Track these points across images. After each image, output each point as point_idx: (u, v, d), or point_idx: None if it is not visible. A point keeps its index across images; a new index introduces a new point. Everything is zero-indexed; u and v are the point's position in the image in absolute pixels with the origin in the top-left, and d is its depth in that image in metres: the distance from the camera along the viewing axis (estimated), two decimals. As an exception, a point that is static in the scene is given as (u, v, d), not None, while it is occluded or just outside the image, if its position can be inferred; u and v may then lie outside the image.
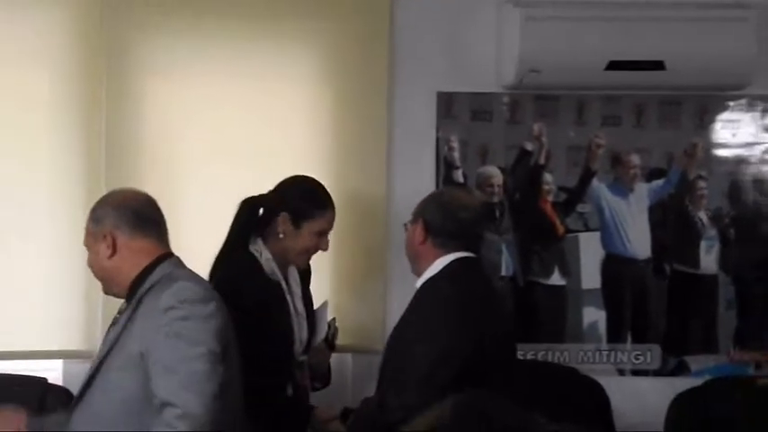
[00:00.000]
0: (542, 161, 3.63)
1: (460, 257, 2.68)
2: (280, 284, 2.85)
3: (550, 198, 3.65)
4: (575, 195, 3.66)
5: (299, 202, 2.84)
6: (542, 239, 3.65)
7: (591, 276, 3.63)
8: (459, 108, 3.61)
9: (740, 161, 3.66)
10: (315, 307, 3.03)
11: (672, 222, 3.66)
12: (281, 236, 2.82)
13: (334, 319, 3.11)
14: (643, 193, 3.65)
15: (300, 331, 2.91)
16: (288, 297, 2.87)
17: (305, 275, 2.98)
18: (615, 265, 3.64)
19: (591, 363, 3.63)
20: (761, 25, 3.43)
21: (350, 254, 3.49)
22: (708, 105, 3.62)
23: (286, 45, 3.52)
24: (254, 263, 2.80)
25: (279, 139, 3.52)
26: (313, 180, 2.93)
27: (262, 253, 2.82)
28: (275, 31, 3.51)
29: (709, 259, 3.66)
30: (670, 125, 3.63)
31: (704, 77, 3.48)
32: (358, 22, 3.56)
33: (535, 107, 3.62)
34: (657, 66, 3.42)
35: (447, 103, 3.61)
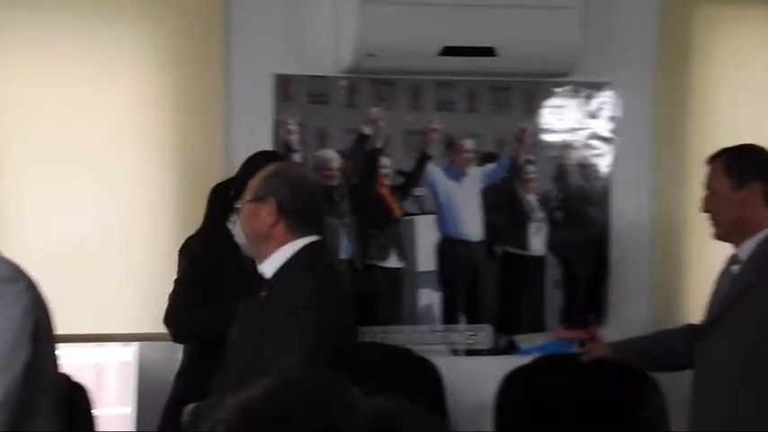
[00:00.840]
0: (380, 145, 3.67)
1: (311, 242, 2.54)
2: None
3: (388, 182, 3.69)
4: (411, 179, 3.70)
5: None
6: (380, 223, 3.68)
7: (427, 259, 3.70)
8: (297, 91, 3.60)
9: (566, 146, 3.77)
10: None
11: (503, 205, 3.75)
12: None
13: None
14: (476, 176, 3.73)
15: None
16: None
17: None
18: (450, 247, 3.71)
19: (426, 344, 3.68)
20: (585, 14, 3.56)
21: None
22: (536, 91, 3.72)
23: (123, 28, 3.46)
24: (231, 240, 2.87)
25: (119, 124, 3.45)
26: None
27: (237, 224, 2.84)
28: (113, 14, 3.44)
29: (537, 241, 3.77)
30: (501, 110, 3.72)
31: (532, 64, 3.58)
32: (193, 5, 3.52)
33: (373, 91, 3.64)
34: (488, 52, 3.48)
35: (285, 86, 3.59)
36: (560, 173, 3.77)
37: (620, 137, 3.78)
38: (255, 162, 2.90)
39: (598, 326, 3.71)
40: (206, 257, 3.02)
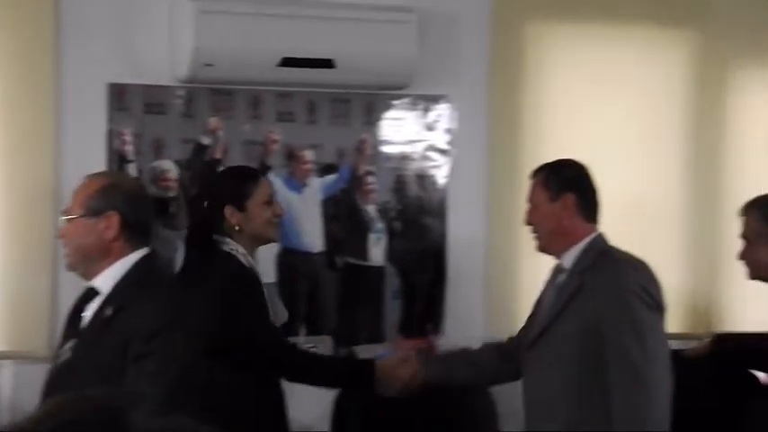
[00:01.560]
0: (219, 155, 3.61)
1: (146, 254, 2.47)
2: (259, 275, 2.90)
3: (226, 193, 3.65)
4: None
5: (230, 190, 2.88)
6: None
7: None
8: (132, 100, 3.52)
9: (404, 157, 3.80)
10: None
11: (343, 216, 3.75)
12: (237, 228, 2.84)
13: None
14: (316, 187, 3.73)
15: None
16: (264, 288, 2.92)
17: None
18: (290, 258, 3.69)
19: None
20: (422, 28, 3.63)
21: (17, 249, 3.33)
22: (375, 103, 3.75)
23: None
24: (229, 259, 2.83)
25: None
26: (231, 168, 3.16)
27: (237, 249, 2.84)
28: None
29: (377, 251, 3.78)
30: (341, 122, 3.73)
31: (371, 77, 3.62)
32: (22, 10, 3.39)
33: (211, 101, 3.59)
34: (327, 64, 3.51)
35: (119, 96, 3.51)
36: (399, 184, 3.80)
37: (456, 149, 3.84)
38: (211, 181, 3.09)
39: (436, 335, 3.78)
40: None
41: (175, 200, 3.58)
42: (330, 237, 3.73)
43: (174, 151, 3.58)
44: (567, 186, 2.68)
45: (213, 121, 3.60)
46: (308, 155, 3.71)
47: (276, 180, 3.65)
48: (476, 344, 3.61)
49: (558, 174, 2.72)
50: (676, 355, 3.23)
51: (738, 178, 4.03)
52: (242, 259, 2.84)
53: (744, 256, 2.83)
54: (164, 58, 3.50)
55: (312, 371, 2.92)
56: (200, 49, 3.40)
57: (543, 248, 2.76)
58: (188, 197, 3.58)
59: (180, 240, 3.53)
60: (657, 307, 2.57)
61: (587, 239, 2.67)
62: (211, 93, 3.59)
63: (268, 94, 3.64)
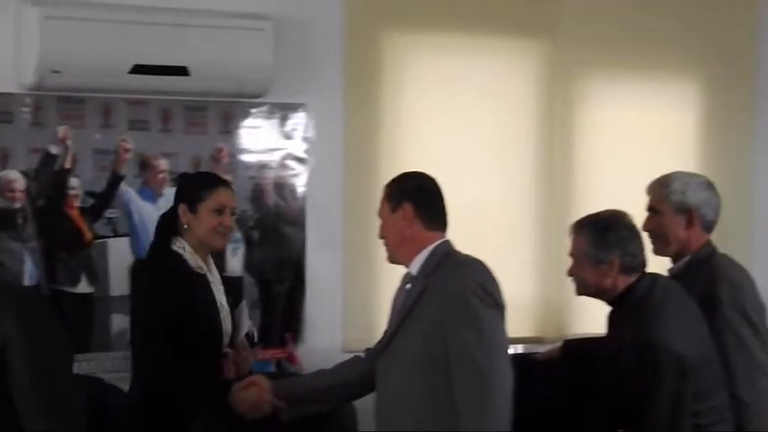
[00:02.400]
0: (68, 165, 3.52)
1: None
2: (205, 277, 2.95)
3: (77, 203, 3.54)
4: (103, 200, 3.59)
5: (188, 190, 2.98)
6: (69, 246, 3.53)
7: (120, 283, 3.58)
8: (-24, 109, 3.37)
9: (262, 166, 3.78)
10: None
11: None
12: (185, 226, 2.94)
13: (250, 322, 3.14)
14: (171, 197, 3.51)
15: (226, 324, 2.99)
16: (214, 290, 2.97)
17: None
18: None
19: (120, 371, 3.50)
20: (277, 36, 3.60)
21: None
22: (232, 111, 3.72)
23: None
24: (178, 259, 2.91)
25: None
26: (200, 171, 3.29)
27: (185, 248, 2.93)
28: None
29: (235, 261, 3.74)
30: (196, 130, 3.68)
31: (227, 84, 3.59)
32: None
33: (60, 109, 3.50)
34: (181, 71, 3.46)
35: (-40, 104, 3.34)
36: (257, 192, 3.77)
37: (313, 157, 3.86)
38: (180, 179, 3.14)
39: (295, 344, 3.76)
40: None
41: (22, 211, 3.45)
42: None
43: (21, 161, 3.46)
44: (405, 197, 2.71)
45: (62, 130, 3.50)
46: (163, 164, 3.63)
47: (129, 190, 3.60)
48: (335, 352, 3.68)
49: (398, 186, 2.76)
50: (527, 358, 3.39)
51: (587, 189, 4.12)
52: (188, 258, 2.92)
53: (572, 273, 2.91)
54: (9, 65, 3.39)
55: (173, 387, 2.87)
56: (47, 56, 3.29)
57: (392, 259, 2.81)
58: (35, 208, 3.44)
59: (27, 252, 3.40)
60: (496, 305, 2.60)
61: (431, 246, 2.70)
62: (60, 100, 3.49)
63: (120, 101, 3.56)
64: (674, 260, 3.04)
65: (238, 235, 3.73)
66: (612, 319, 2.89)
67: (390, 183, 2.78)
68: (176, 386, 2.87)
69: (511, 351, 2.71)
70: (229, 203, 2.99)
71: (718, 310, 2.84)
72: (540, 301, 4.10)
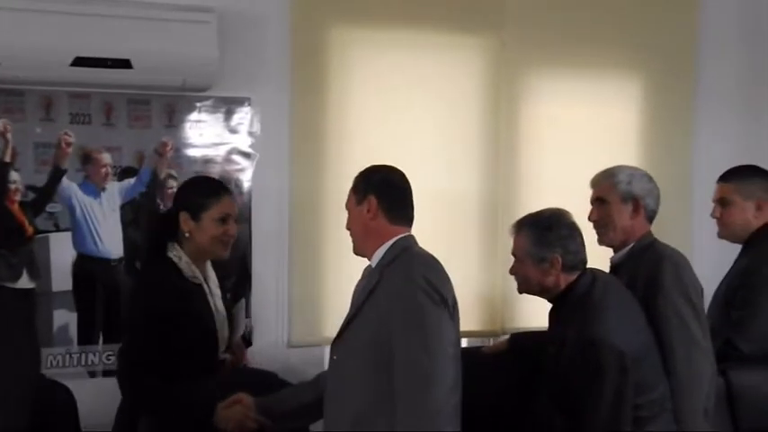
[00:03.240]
0: (8, 159, 3.46)
1: None
2: (201, 286, 2.88)
3: (18, 198, 3.48)
4: (44, 195, 3.53)
5: (190, 197, 2.90)
6: (9, 241, 3.46)
7: (62, 278, 3.53)
8: None
9: (207, 161, 3.73)
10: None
11: (144, 221, 3.64)
12: (186, 235, 2.88)
13: (247, 320, 3.08)
14: (115, 191, 3.61)
15: (222, 330, 2.93)
16: (210, 298, 2.90)
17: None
18: (87, 265, 3.57)
19: (61, 367, 3.51)
20: (222, 29, 3.54)
21: None
22: (176, 105, 3.66)
23: None
24: (173, 268, 2.84)
25: None
26: (203, 176, 3.22)
27: (181, 257, 2.87)
28: None
29: None
30: (140, 124, 3.62)
31: (171, 78, 3.53)
32: None
33: (-1, 102, 3.40)
34: (124, 64, 3.41)
35: None
36: None
37: (259, 152, 3.80)
38: (180, 186, 3.03)
39: (243, 344, 3.67)
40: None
41: (-41, 206, 3.35)
42: (130, 242, 3.62)
43: (-41, 154, 3.37)
44: (370, 189, 2.71)
45: (1, 123, 3.44)
46: (106, 158, 3.58)
47: (71, 185, 3.54)
48: (280, 347, 3.71)
49: (364, 178, 2.75)
50: (475, 352, 3.40)
51: (532, 183, 4.13)
52: (183, 267, 2.86)
53: (514, 271, 2.95)
54: (-54, 56, 3.27)
55: (156, 403, 2.82)
56: (-14, 47, 3.19)
57: (356, 251, 2.78)
58: (-25, 203, 3.38)
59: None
60: (443, 302, 2.57)
61: (392, 240, 2.69)
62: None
63: (61, 94, 3.50)
64: (616, 250, 3.10)
65: None
66: (554, 316, 2.91)
67: (358, 175, 2.77)
68: (159, 413, 2.83)
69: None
70: (233, 212, 2.95)
71: (661, 293, 2.89)
72: (484, 295, 4.09)
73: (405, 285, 2.56)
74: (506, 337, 3.47)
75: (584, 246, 2.86)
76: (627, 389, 2.69)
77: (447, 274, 2.67)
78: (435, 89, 4.01)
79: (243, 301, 3.21)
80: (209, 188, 2.95)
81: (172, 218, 2.93)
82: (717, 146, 4.35)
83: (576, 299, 2.80)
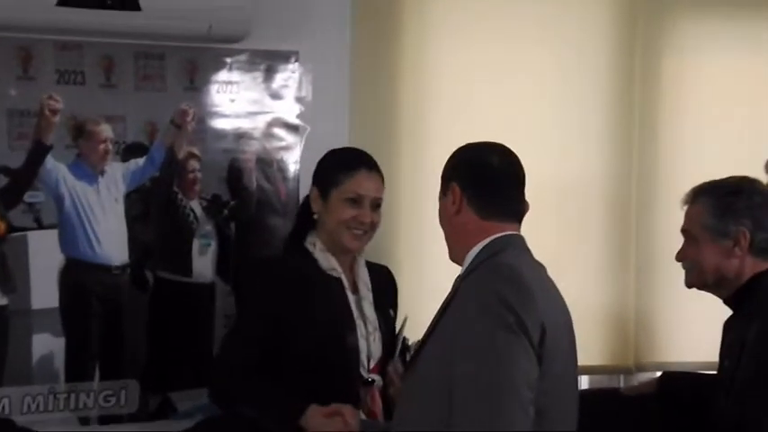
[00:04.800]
0: (-28, 132, 3.00)
1: None
2: (340, 281, 2.69)
3: (-14, 184, 3.06)
4: (20, 180, 3.04)
5: (323, 171, 2.73)
6: (-27, 242, 3.04)
7: (45, 291, 3.04)
8: None
9: (241, 135, 3.25)
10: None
11: (156, 216, 3.17)
12: (315, 216, 2.70)
13: (415, 341, 2.69)
14: (117, 176, 3.13)
15: (370, 343, 2.70)
16: (349, 296, 2.69)
17: (388, 291, 2.83)
18: (79, 274, 3.10)
19: (42, 411, 3.03)
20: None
21: None
22: (199, 61, 3.18)
23: None
24: (308, 258, 2.67)
25: None
26: (347, 148, 2.87)
27: (315, 244, 2.69)
28: None
29: (204, 263, 3.21)
30: (151, 85, 3.15)
31: (192, 23, 3.05)
32: None
33: (-39, 54, 2.97)
34: (131, 4, 2.96)
35: None
36: (234, 171, 3.24)
37: (310, 125, 3.31)
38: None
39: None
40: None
41: None
42: (137, 244, 3.16)
43: None
44: (453, 175, 2.38)
45: (-41, 83, 2.96)
46: (105, 130, 3.09)
47: (59, 167, 3.07)
48: None
49: (450, 161, 2.42)
50: (607, 394, 3.11)
51: (679, 165, 3.58)
52: (318, 256, 2.67)
53: (681, 256, 2.66)
54: None
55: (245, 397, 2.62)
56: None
57: (450, 255, 2.44)
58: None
59: None
60: (519, 326, 2.15)
61: (486, 240, 2.32)
62: (-39, 42, 2.95)
63: (44, 44, 3.00)
64: None
65: (209, 227, 3.23)
66: (731, 324, 2.60)
67: (449, 158, 2.44)
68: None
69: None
70: (371, 192, 2.70)
71: None
72: (612, 318, 3.59)
73: (471, 304, 2.23)
74: (654, 375, 3.12)
75: None
76: None
77: (542, 293, 2.25)
78: (544, 42, 3.50)
79: (405, 318, 2.86)
80: (344, 159, 2.75)
81: (307, 198, 2.77)
82: None
83: (764, 294, 2.48)
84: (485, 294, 2.20)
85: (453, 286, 2.37)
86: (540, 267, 2.33)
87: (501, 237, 2.31)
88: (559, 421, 2.23)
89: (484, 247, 2.31)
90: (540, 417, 2.14)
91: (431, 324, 2.37)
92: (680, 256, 2.64)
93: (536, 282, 2.26)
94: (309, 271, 2.65)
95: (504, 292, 2.19)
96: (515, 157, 2.35)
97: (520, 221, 2.34)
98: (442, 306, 2.35)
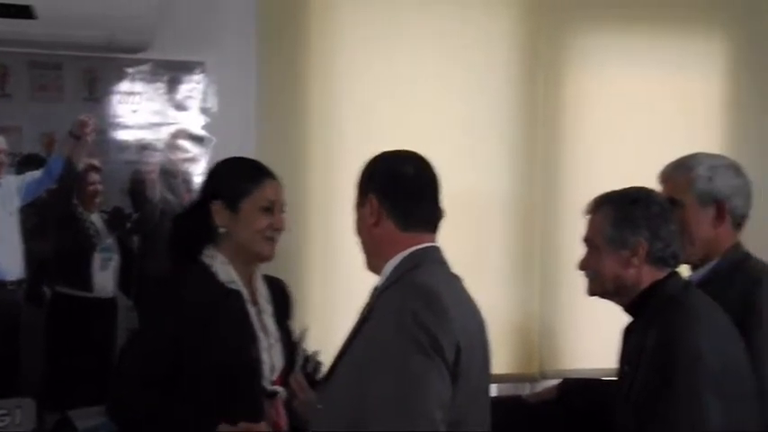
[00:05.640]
0: None
1: None
2: (239, 293, 2.64)
3: None
4: None
5: (226, 183, 2.66)
6: None
7: None
8: None
9: (144, 147, 3.20)
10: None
11: (54, 229, 3.09)
12: (222, 230, 2.63)
13: (315, 351, 2.71)
14: (12, 189, 3.06)
15: (272, 355, 2.67)
16: (250, 309, 2.65)
17: (285, 303, 2.80)
18: None
19: None
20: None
21: None
22: (100, 71, 3.12)
23: None
24: (203, 271, 2.62)
25: None
26: (239, 158, 2.77)
27: (215, 257, 2.64)
28: None
29: (105, 277, 3.14)
30: (48, 96, 3.08)
31: (92, 32, 2.96)
32: None
33: None
34: (24, 12, 2.83)
35: None
36: (137, 183, 3.18)
37: (216, 136, 3.26)
38: (210, 172, 2.74)
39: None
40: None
41: None
42: (34, 258, 3.07)
43: None
44: (371, 186, 2.37)
45: None
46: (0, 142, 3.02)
47: None
48: None
49: (366, 171, 2.40)
50: (510, 402, 3.10)
51: (582, 178, 3.58)
52: (217, 269, 2.61)
53: (584, 264, 2.64)
54: None
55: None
56: None
57: (367, 266, 2.45)
58: None
59: None
60: (434, 347, 2.15)
61: (405, 253, 2.32)
62: None
63: None
64: (695, 268, 2.78)
65: (109, 241, 3.16)
66: (631, 331, 2.59)
67: (364, 166, 2.41)
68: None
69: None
70: (280, 197, 2.68)
71: (758, 327, 2.56)
72: (517, 327, 3.59)
73: (389, 324, 2.20)
74: (554, 382, 3.08)
75: (678, 236, 2.54)
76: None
77: (458, 309, 2.24)
78: (450, 53, 3.47)
79: (306, 329, 2.79)
80: (247, 169, 2.70)
81: (201, 211, 2.66)
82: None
83: (662, 303, 2.48)
84: (401, 314, 2.18)
85: (370, 298, 2.35)
86: (456, 280, 2.33)
87: (419, 249, 2.29)
88: (475, 428, 2.23)
89: (403, 260, 2.29)
90: (456, 427, 2.14)
91: (348, 337, 2.35)
92: (582, 266, 2.64)
93: (453, 298, 2.24)
94: (209, 286, 2.59)
95: (420, 313, 2.18)
96: (430, 164, 2.32)
97: (437, 229, 2.33)
98: (359, 319, 2.33)
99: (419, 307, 2.19)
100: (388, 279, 2.33)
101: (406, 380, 2.15)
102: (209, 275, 2.61)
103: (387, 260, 2.34)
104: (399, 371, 2.15)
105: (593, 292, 2.61)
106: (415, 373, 2.15)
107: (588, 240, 2.60)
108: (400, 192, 2.35)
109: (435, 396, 2.14)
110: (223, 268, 2.61)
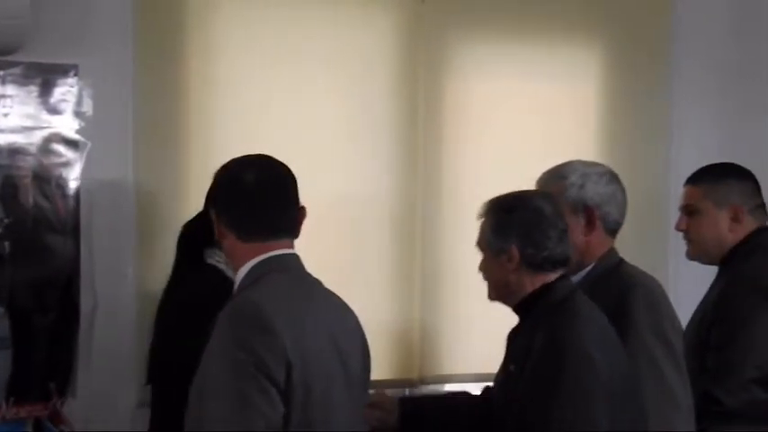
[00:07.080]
0: None
1: None
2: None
3: None
4: None
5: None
6: None
7: None
8: None
9: (16, 151, 3.12)
10: None
11: None
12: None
13: None
14: None
15: None
16: None
17: None
18: None
19: None
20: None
21: None
22: None
23: None
24: (217, 273, 2.71)
25: None
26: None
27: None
28: None
29: None
30: None
31: None
32: None
33: None
34: None
35: None
36: (8, 188, 3.10)
37: (91, 140, 3.18)
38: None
39: (62, 398, 3.09)
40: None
41: None
42: None
43: None
44: (210, 201, 2.48)
45: None
46: None
47: None
48: (124, 406, 3.18)
49: (212, 184, 2.39)
50: None
51: (462, 183, 3.59)
52: (226, 271, 2.66)
53: (480, 268, 2.63)
54: None
55: None
56: None
57: None
58: None
59: None
60: (258, 367, 2.13)
61: (250, 263, 2.27)
62: None
63: None
64: (569, 274, 2.72)
65: None
66: (516, 333, 2.57)
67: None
68: None
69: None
70: None
71: (630, 331, 2.57)
72: (397, 332, 3.55)
73: (216, 343, 2.15)
74: (437, 387, 3.26)
75: (562, 241, 2.50)
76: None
77: (295, 323, 2.16)
78: (332, 62, 3.45)
79: None
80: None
81: (206, 219, 2.52)
82: (704, 139, 3.91)
83: (549, 306, 2.47)
84: (226, 335, 2.15)
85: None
86: (308, 287, 2.26)
87: (263, 260, 2.22)
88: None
89: (247, 273, 2.24)
90: None
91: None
92: (479, 269, 2.65)
93: (292, 310, 2.19)
94: (225, 285, 2.48)
95: (244, 334, 2.14)
96: (278, 167, 2.25)
97: (291, 234, 2.25)
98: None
99: (243, 329, 2.15)
100: (237, 290, 2.30)
101: (230, 401, 2.12)
102: (220, 276, 2.66)
103: (237, 270, 2.30)
104: (224, 392, 2.12)
105: (489, 296, 2.63)
106: (240, 395, 2.12)
107: (479, 245, 2.62)
108: (236, 202, 2.29)
109: (260, 416, 2.11)
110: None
